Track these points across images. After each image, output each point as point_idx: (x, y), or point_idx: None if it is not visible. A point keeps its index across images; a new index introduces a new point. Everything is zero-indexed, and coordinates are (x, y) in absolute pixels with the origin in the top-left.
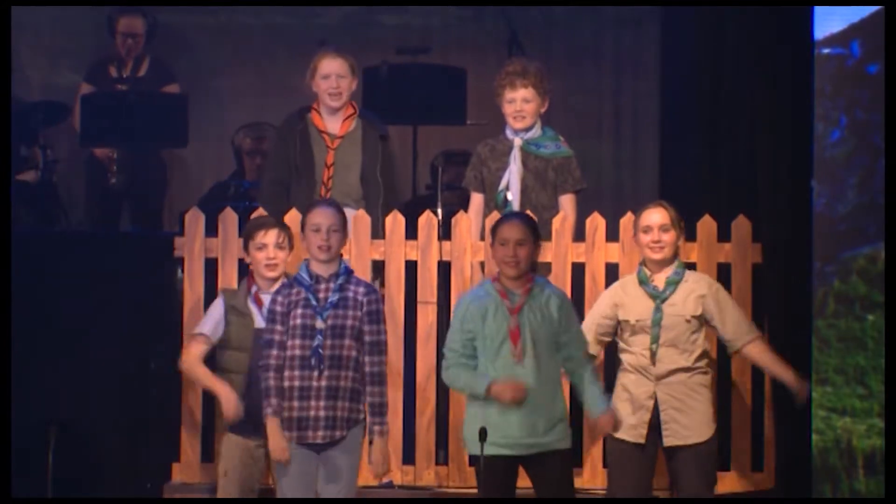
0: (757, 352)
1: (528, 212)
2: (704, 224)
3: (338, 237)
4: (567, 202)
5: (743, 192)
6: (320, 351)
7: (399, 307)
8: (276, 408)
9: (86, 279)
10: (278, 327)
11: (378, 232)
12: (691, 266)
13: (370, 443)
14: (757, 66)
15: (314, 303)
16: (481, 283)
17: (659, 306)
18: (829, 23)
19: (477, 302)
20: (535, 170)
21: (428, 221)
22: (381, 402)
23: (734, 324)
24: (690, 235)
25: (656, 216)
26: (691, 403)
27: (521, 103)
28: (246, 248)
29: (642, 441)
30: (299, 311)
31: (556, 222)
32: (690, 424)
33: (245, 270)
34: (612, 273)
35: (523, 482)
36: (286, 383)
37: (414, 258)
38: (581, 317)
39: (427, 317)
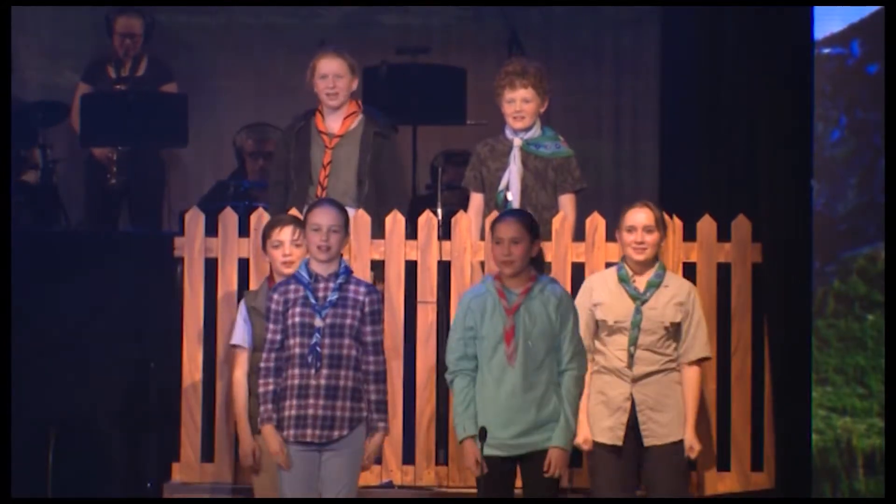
0: (689, 377)
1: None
2: (704, 224)
3: (338, 237)
4: (567, 202)
5: (743, 192)
6: (318, 349)
7: (399, 307)
8: (269, 413)
9: (86, 279)
10: (272, 326)
11: (373, 231)
12: (691, 266)
13: (368, 435)
14: (757, 66)
15: (313, 301)
16: (483, 279)
17: (639, 308)
18: (829, 23)
19: (478, 299)
20: (534, 170)
21: (428, 221)
22: (383, 400)
23: (691, 338)
24: (690, 235)
25: (641, 216)
26: (667, 402)
27: (520, 103)
28: (264, 247)
29: (620, 443)
30: (298, 309)
31: (555, 222)
32: (668, 423)
33: (245, 270)
34: None
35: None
36: (289, 381)
37: (414, 258)
38: None
39: (427, 317)
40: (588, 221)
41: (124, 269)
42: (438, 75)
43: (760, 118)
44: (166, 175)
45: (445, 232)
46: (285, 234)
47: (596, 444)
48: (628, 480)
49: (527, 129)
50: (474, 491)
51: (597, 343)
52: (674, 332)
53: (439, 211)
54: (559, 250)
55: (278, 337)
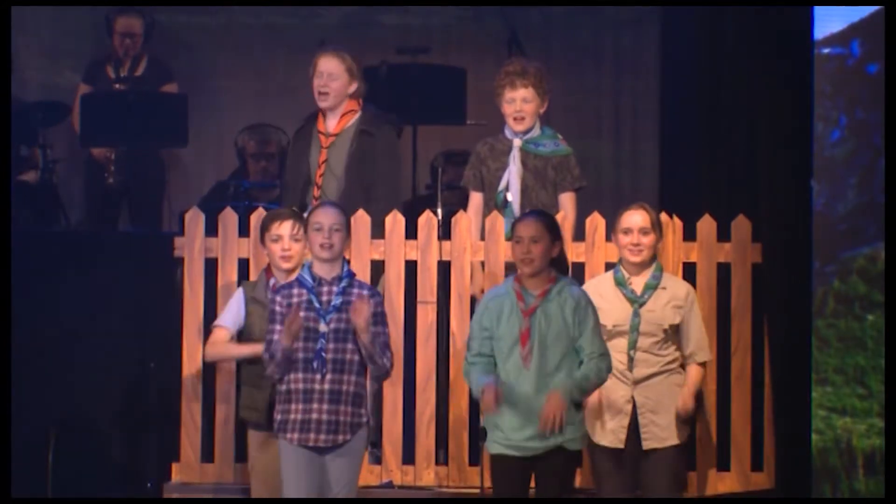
0: (692, 373)
1: None
2: (704, 224)
3: (340, 236)
4: (566, 200)
5: (743, 192)
6: (323, 354)
7: (399, 307)
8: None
9: (86, 279)
10: (277, 327)
11: (373, 231)
12: (691, 266)
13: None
14: (757, 66)
15: (317, 305)
16: (506, 279)
17: (637, 311)
18: (828, 23)
19: (496, 300)
20: (534, 169)
21: (428, 221)
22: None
23: (696, 341)
24: (690, 235)
25: (637, 218)
26: (667, 404)
27: (520, 103)
28: (262, 240)
29: (622, 446)
30: (302, 313)
31: None
32: (668, 426)
33: (245, 270)
34: None
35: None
36: (291, 385)
37: (414, 258)
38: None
39: (427, 317)
40: (588, 221)
41: (124, 269)
42: (438, 75)
43: (760, 118)
44: (166, 175)
45: (445, 232)
46: (285, 228)
47: (597, 447)
48: (630, 483)
49: (527, 131)
50: (475, 491)
51: None
52: (672, 333)
53: (439, 211)
54: None
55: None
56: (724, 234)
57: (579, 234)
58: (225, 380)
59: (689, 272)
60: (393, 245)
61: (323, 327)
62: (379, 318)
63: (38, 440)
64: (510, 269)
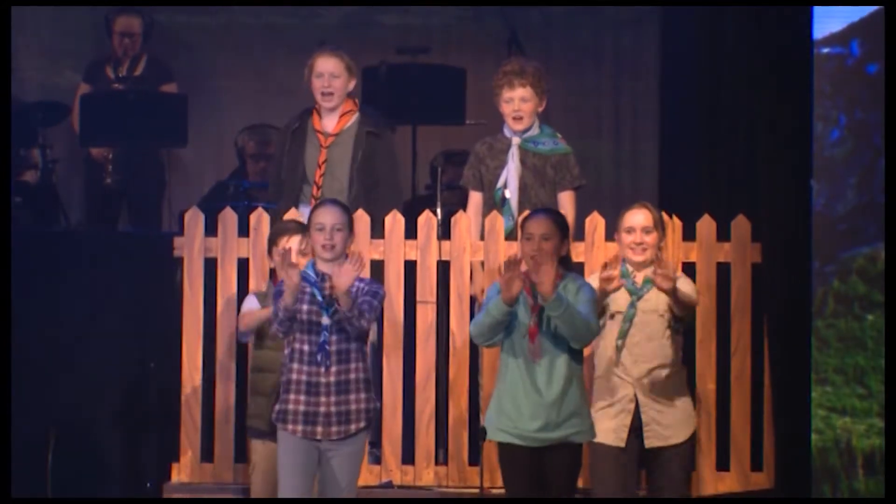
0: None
1: (528, 211)
2: (704, 224)
3: (342, 236)
4: (566, 199)
5: (743, 192)
6: (327, 347)
7: (399, 307)
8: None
9: (86, 279)
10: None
11: (373, 231)
12: (691, 266)
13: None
14: (757, 66)
15: (319, 298)
16: None
17: (634, 303)
18: (828, 22)
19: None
20: (533, 167)
21: (427, 221)
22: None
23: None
24: (690, 235)
25: (639, 217)
26: (671, 403)
27: (518, 103)
28: (269, 252)
29: (623, 444)
30: (305, 306)
31: None
32: (671, 424)
33: (245, 270)
34: None
35: None
36: (294, 376)
37: (413, 258)
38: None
39: (426, 317)
40: (588, 221)
41: (124, 269)
42: (438, 75)
43: (760, 118)
44: (166, 175)
45: (445, 232)
46: (293, 243)
47: (598, 445)
48: (629, 482)
49: (525, 130)
50: (475, 491)
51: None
52: (670, 319)
53: (439, 211)
54: None
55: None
56: (724, 234)
57: (579, 234)
58: (225, 380)
59: (689, 272)
60: (392, 245)
61: (325, 320)
62: (374, 293)
63: (38, 440)
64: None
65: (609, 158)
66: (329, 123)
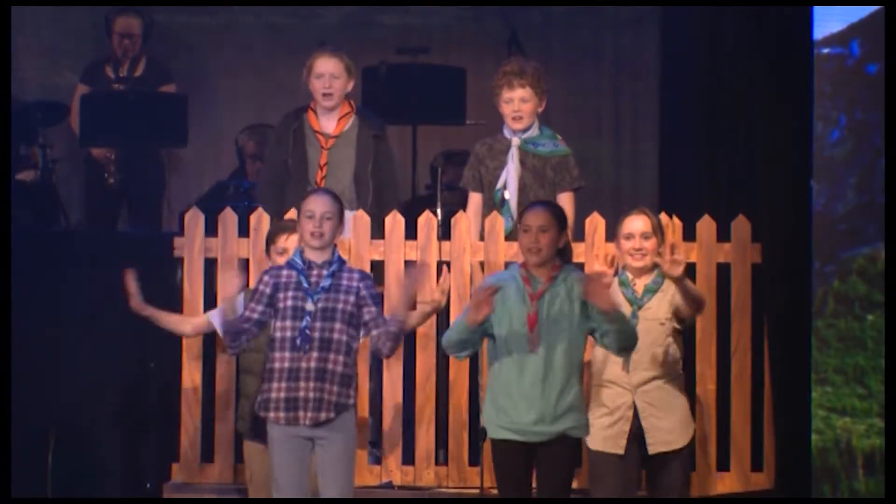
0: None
1: None
2: (704, 224)
3: (331, 225)
4: (565, 200)
5: (743, 192)
6: (307, 332)
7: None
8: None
9: (86, 279)
10: (252, 304)
11: (373, 232)
12: (691, 266)
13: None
14: (757, 66)
15: (305, 285)
16: (510, 267)
17: (635, 313)
18: (828, 23)
19: (500, 283)
20: (532, 168)
21: (427, 222)
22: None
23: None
24: (690, 235)
25: (638, 223)
26: (670, 409)
27: (518, 103)
28: (267, 251)
29: (621, 452)
30: (290, 293)
31: None
32: (673, 429)
33: (245, 270)
34: None
35: None
36: (276, 364)
37: (414, 258)
38: None
39: None
40: (587, 221)
41: (124, 269)
42: (438, 75)
43: (760, 118)
44: (166, 175)
45: (445, 232)
46: (291, 242)
47: (597, 453)
48: (629, 488)
49: (525, 130)
50: (474, 491)
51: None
52: (670, 329)
53: (439, 211)
54: None
55: (255, 316)
56: (723, 235)
57: (578, 234)
58: (224, 380)
59: (689, 272)
60: (393, 245)
61: (310, 306)
62: (374, 298)
63: (38, 440)
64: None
65: (609, 158)
66: (328, 125)
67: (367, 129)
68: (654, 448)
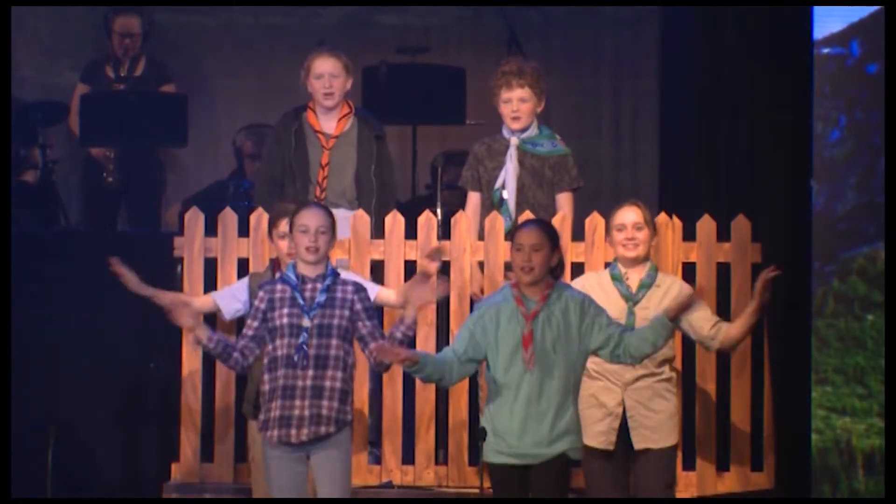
0: (727, 329)
1: (527, 211)
2: (704, 224)
3: (325, 239)
4: (564, 200)
5: (743, 192)
6: (305, 348)
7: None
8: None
9: (86, 279)
10: (249, 321)
11: (374, 231)
12: (691, 266)
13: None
14: (757, 66)
15: (301, 302)
16: (502, 287)
17: (632, 309)
18: (828, 22)
19: (493, 309)
20: (531, 168)
21: (427, 221)
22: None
23: (703, 319)
24: (690, 235)
25: (630, 214)
26: (658, 408)
27: (517, 103)
28: (270, 234)
29: (611, 448)
30: (286, 310)
31: (555, 222)
32: (658, 428)
33: (245, 270)
34: None
35: None
36: (273, 384)
37: (413, 258)
38: None
39: (427, 317)
40: (587, 221)
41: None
42: (438, 75)
43: (760, 118)
44: (165, 175)
45: (445, 232)
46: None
47: (587, 449)
48: (620, 485)
49: (524, 129)
50: (474, 491)
51: None
52: None
53: (439, 211)
54: None
55: (251, 333)
56: (723, 234)
57: (577, 234)
58: (225, 379)
59: (689, 272)
60: (393, 245)
61: (306, 322)
62: (368, 312)
63: (38, 440)
64: (509, 268)
65: (609, 158)
66: (328, 125)
67: (368, 130)
68: (638, 444)
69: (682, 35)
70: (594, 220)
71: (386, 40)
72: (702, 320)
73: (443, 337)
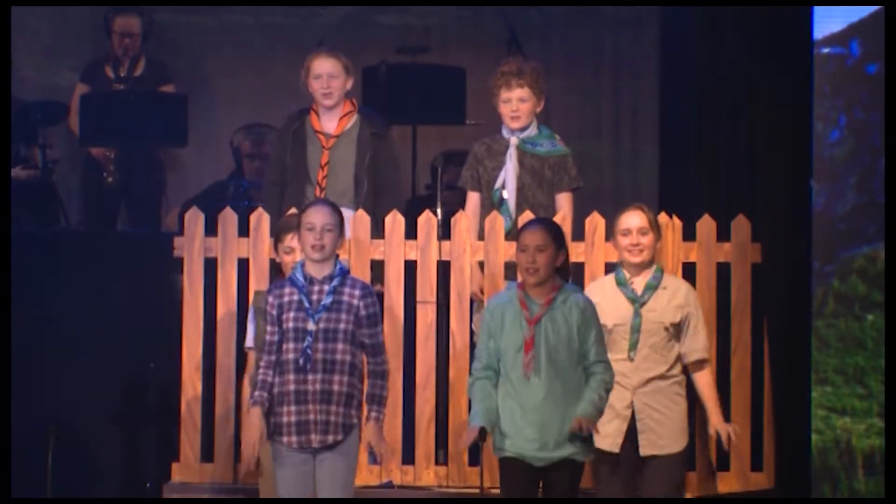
0: (701, 377)
1: (527, 211)
2: (704, 224)
3: (332, 237)
4: (564, 200)
5: (743, 192)
6: (309, 352)
7: (398, 307)
8: (262, 399)
9: (86, 279)
10: (269, 328)
11: (373, 231)
12: (691, 266)
13: (364, 424)
14: (757, 66)
15: (307, 305)
16: (507, 286)
17: (638, 311)
18: (828, 22)
19: (499, 310)
20: (531, 168)
21: (427, 221)
22: (381, 395)
23: (692, 338)
24: (690, 235)
25: (635, 219)
26: (668, 413)
27: (516, 103)
28: (276, 249)
29: (617, 450)
30: (292, 314)
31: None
32: (667, 434)
33: (245, 270)
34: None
35: None
36: (283, 388)
37: (413, 258)
38: None
39: (426, 316)
40: (587, 221)
41: (124, 269)
42: (438, 75)
43: (760, 118)
44: (165, 175)
45: (445, 232)
46: (297, 241)
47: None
48: (627, 487)
49: (523, 129)
50: (475, 491)
51: None
52: (674, 333)
53: (439, 211)
54: None
55: (276, 338)
56: (723, 234)
57: (577, 234)
58: (225, 379)
59: (689, 272)
60: (393, 245)
61: (311, 326)
62: (372, 318)
63: (38, 440)
64: (509, 268)
65: (609, 158)
66: (329, 124)
67: (367, 128)
68: (644, 450)
69: (682, 35)
70: (594, 220)
71: (386, 40)
72: (691, 345)
73: (443, 337)
